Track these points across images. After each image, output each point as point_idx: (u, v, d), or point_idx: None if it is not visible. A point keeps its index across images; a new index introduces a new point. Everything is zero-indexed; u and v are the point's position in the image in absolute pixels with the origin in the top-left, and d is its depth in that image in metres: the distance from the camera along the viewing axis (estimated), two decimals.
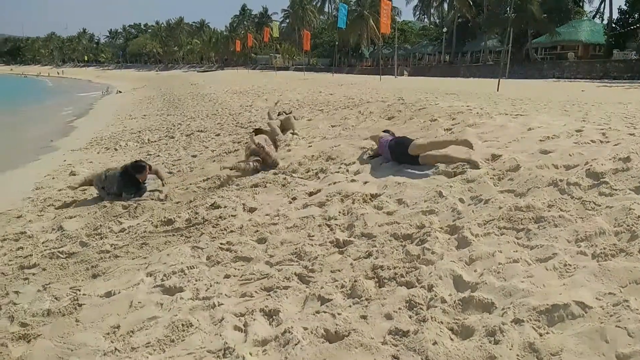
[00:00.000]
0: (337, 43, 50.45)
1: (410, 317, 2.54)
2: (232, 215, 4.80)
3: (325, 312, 2.71)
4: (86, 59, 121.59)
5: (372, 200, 4.52)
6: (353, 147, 7.11)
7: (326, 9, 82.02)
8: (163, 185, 6.66)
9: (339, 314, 2.67)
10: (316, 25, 77.25)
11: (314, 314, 2.72)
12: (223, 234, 4.37)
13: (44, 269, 4.10)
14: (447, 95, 13.02)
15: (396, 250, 3.38)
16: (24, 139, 14.88)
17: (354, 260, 3.35)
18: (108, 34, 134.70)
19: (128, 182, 6.29)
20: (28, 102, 28.81)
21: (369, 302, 2.78)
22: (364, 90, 18.68)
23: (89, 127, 16.36)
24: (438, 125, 7.36)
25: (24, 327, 3.10)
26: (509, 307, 2.38)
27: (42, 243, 4.90)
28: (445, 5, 57.80)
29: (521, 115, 7.40)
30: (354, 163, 6.19)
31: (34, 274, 4.01)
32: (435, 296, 2.64)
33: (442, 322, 2.43)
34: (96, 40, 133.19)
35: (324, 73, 46.66)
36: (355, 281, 2.98)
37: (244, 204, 5.22)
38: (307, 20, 77.74)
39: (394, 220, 3.92)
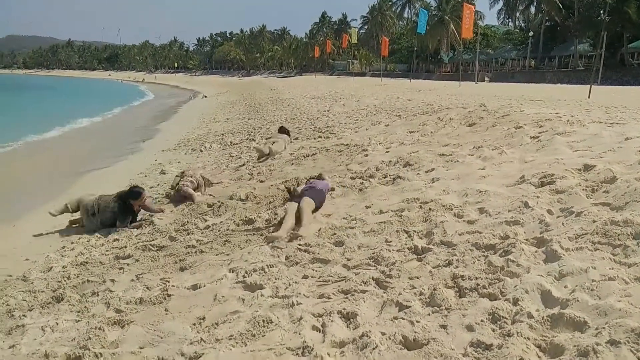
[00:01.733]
0: (415, 48, 49.77)
1: (493, 330, 2.44)
2: None
3: (403, 318, 2.68)
4: (176, 65, 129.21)
5: (452, 208, 4.41)
6: (432, 154, 6.99)
7: (405, 15, 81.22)
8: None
9: (417, 321, 2.63)
10: (395, 30, 76.65)
11: (391, 320, 2.70)
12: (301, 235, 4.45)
13: (137, 260, 4.40)
14: (532, 101, 12.41)
15: (478, 260, 3.27)
16: (117, 139, 16.08)
17: (433, 268, 3.29)
18: (196, 42, 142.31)
19: (123, 210, 5.85)
20: (122, 105, 31.06)
21: (449, 312, 2.71)
22: (443, 96, 18.28)
23: (175, 129, 17.34)
24: (523, 133, 7.04)
25: (119, 313, 3.34)
26: (603, 327, 2.22)
27: (135, 236, 5.27)
28: (532, 9, 55.06)
29: (617, 123, 6.89)
30: (432, 170, 6.07)
31: (128, 264, 4.33)
32: (521, 310, 2.53)
33: (528, 338, 2.32)
34: (185, 48, 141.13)
35: (401, 79, 46.16)
36: (434, 289, 2.92)
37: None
38: (386, 26, 77.35)
39: (476, 230, 3.80)
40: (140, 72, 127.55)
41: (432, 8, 59.54)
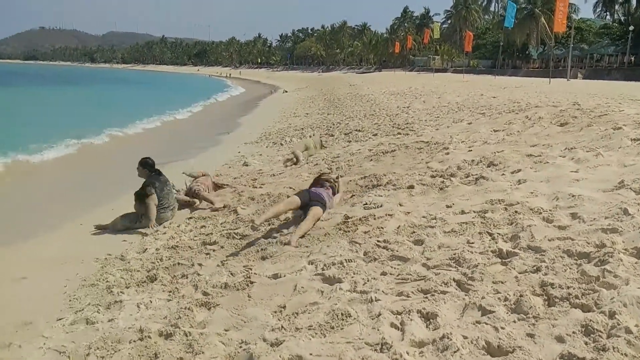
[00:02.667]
0: (501, 43, 47.52)
1: (586, 343, 2.30)
2: (388, 214, 4.85)
3: (486, 323, 2.60)
4: (259, 61, 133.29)
5: (540, 212, 4.20)
6: (518, 154, 6.67)
7: (492, 8, 77.88)
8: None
9: (502, 327, 2.54)
10: (480, 25, 73.70)
11: (474, 324, 2.63)
12: (379, 231, 4.45)
13: (222, 247, 4.62)
14: (633, 101, 11.43)
15: (569, 268, 3.09)
16: (202, 131, 16.90)
17: (520, 273, 3.15)
18: (279, 38, 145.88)
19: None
20: (208, 99, 32.54)
21: (536, 320, 2.59)
22: (531, 93, 17.36)
23: (257, 122, 17.91)
24: (623, 135, 6.53)
25: (206, 296, 3.53)
26: None
27: (221, 224, 5.53)
28: (634, 1, 50.56)
29: None
30: (519, 171, 5.80)
31: (214, 250, 4.56)
32: (618, 324, 2.36)
33: (625, 355, 2.17)
34: (269, 44, 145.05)
35: (484, 75, 44.36)
36: (521, 296, 2.80)
37: (400, 204, 5.25)
38: (471, 21, 74.59)
39: (567, 236, 3.58)
40: (226, 67, 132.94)
41: (521, 1, 56.48)
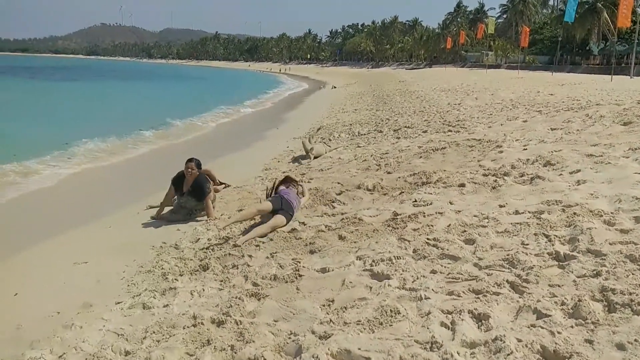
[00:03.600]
0: (560, 39, 45.50)
1: None
2: (438, 212, 4.78)
3: (542, 327, 2.51)
4: (308, 56, 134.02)
5: (601, 215, 4.01)
6: (577, 154, 6.40)
7: (551, 2, 74.81)
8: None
9: (558, 332, 2.45)
10: (537, 19, 70.87)
11: (528, 327, 2.55)
12: (429, 229, 4.38)
13: (271, 240, 4.69)
14: None
15: (632, 274, 2.94)
16: (253, 125, 17.18)
17: (578, 277, 3.03)
18: (329, 34, 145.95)
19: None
20: (260, 93, 33.05)
21: (595, 327, 2.48)
22: (591, 91, 16.59)
23: (306, 117, 18.01)
24: None
25: (256, 287, 3.61)
26: None
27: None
28: None
29: None
30: (578, 171, 5.56)
31: (263, 242, 4.63)
32: None
33: None
34: (318, 40, 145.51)
35: (541, 72, 42.64)
36: (579, 300, 2.69)
37: (450, 202, 5.16)
38: (528, 15, 71.88)
39: (631, 240, 3.41)
40: (276, 63, 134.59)
41: None
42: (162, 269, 4.24)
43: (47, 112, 20.79)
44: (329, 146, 10.42)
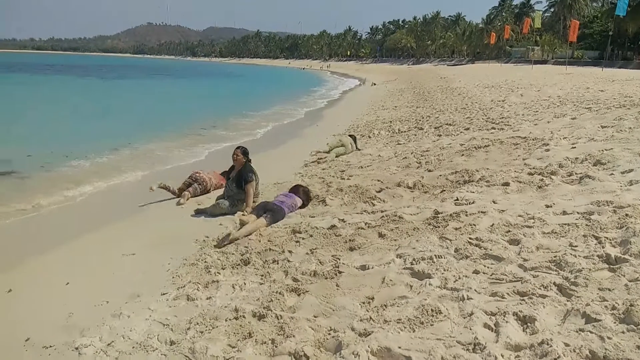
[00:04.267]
0: (611, 33, 43.49)
1: None
2: (481, 212, 4.68)
3: (591, 332, 2.42)
4: (348, 53, 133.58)
5: None
6: (630, 153, 6.13)
7: None
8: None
9: (608, 337, 2.36)
10: (587, 13, 67.99)
11: (576, 331, 2.46)
12: (471, 228, 4.30)
13: (311, 236, 4.72)
14: None
15: None
16: (293, 121, 17.29)
17: (630, 281, 2.90)
18: (369, 31, 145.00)
19: None
20: (303, 91, 33.24)
21: None
22: None
23: (345, 114, 17.96)
24: None
25: (296, 282, 3.64)
26: None
27: (309, 216, 5.64)
28: None
29: None
30: (630, 171, 5.33)
31: (303, 239, 4.67)
32: None
33: None
34: (358, 37, 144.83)
35: (590, 67, 40.91)
36: (631, 305, 2.57)
37: (494, 201, 5.04)
38: (577, 9, 69.04)
39: None
40: (316, 60, 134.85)
41: None
42: (205, 262, 4.34)
43: (109, 110, 21.39)
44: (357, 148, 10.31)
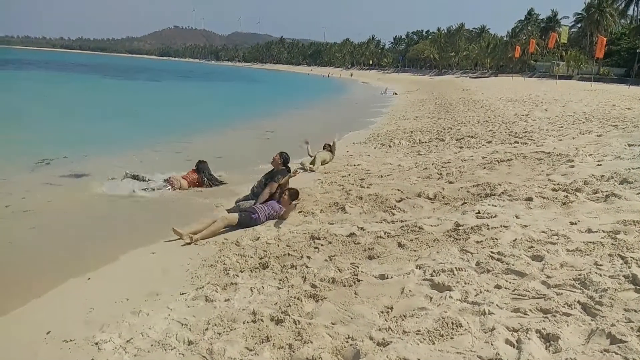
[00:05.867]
0: (638, 51, 42.70)
1: None
2: (503, 226, 4.61)
3: (616, 353, 2.37)
4: (370, 62, 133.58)
5: None
6: None
7: (630, 12, 70.33)
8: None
9: (634, 359, 2.30)
10: (614, 30, 66.91)
11: (601, 352, 2.41)
12: (493, 242, 4.24)
13: (330, 242, 4.71)
14: None
15: None
16: (316, 129, 17.30)
17: None
18: (392, 40, 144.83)
19: None
20: (322, 98, 33.33)
21: None
22: None
23: (367, 123, 17.96)
24: None
25: (314, 288, 3.63)
26: None
27: (328, 222, 5.64)
28: None
29: None
30: None
31: (322, 245, 4.66)
32: None
33: None
34: (381, 46, 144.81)
35: (616, 84, 40.19)
36: None
37: (516, 216, 4.97)
38: (604, 25, 67.97)
39: None
40: (338, 68, 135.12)
41: None
42: (224, 264, 4.36)
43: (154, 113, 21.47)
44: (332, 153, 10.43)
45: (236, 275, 4.08)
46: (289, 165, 7.04)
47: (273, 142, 13.00)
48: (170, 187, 7.75)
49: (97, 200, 7.14)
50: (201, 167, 8.24)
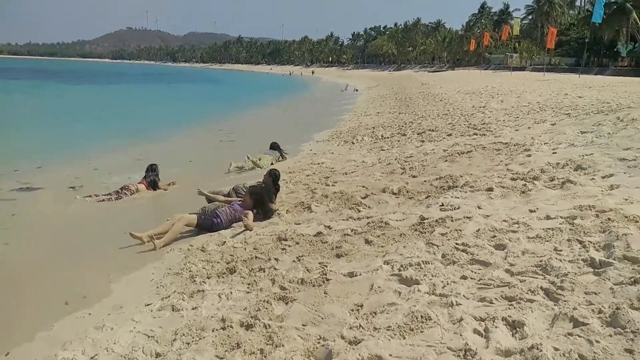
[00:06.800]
0: (587, 40, 44.51)
1: None
2: (466, 217, 4.70)
3: (579, 336, 2.44)
4: (330, 59, 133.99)
5: (637, 221, 3.89)
6: (610, 158, 6.24)
7: (577, 3, 73.25)
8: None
9: (597, 341, 2.38)
10: (564, 21, 69.50)
11: (565, 336, 2.48)
12: (458, 234, 4.32)
13: (297, 243, 4.68)
14: None
15: None
16: (277, 128, 17.23)
17: (615, 285, 2.93)
18: (351, 37, 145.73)
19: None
20: (283, 96, 33.21)
21: (635, 336, 2.40)
22: (620, 93, 16.21)
23: (327, 121, 18.00)
24: None
25: (283, 290, 3.59)
26: None
27: (295, 223, 5.61)
28: None
29: None
30: (610, 176, 5.43)
31: (289, 246, 4.62)
32: None
33: None
34: (340, 43, 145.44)
35: (567, 74, 41.76)
36: (617, 309, 2.60)
37: (478, 207, 5.07)
38: (554, 16, 70.50)
39: None
40: (297, 66, 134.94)
41: None
42: (190, 271, 4.27)
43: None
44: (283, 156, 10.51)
45: (203, 282, 4.00)
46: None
47: (235, 145, 12.86)
48: (126, 192, 7.64)
49: (52, 213, 6.88)
50: (147, 169, 8.27)
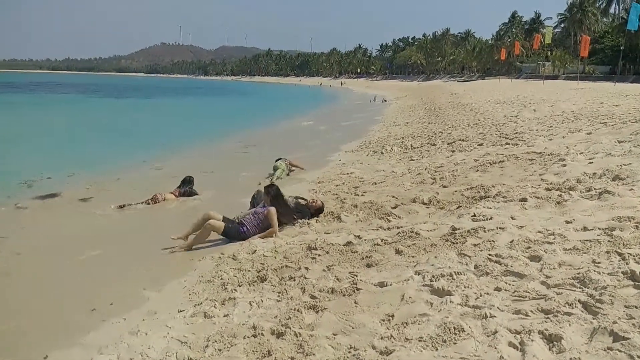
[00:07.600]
0: (622, 48, 43.29)
1: None
2: (499, 228, 4.62)
3: (620, 350, 2.36)
4: (359, 70, 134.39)
5: None
6: None
7: (612, 11, 71.48)
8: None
9: (638, 356, 2.29)
10: (597, 29, 67.92)
11: (604, 350, 2.40)
12: (490, 245, 4.24)
13: (327, 252, 4.68)
14: None
15: None
16: (307, 137, 17.33)
17: None
18: (379, 48, 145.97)
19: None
20: (313, 107, 33.42)
21: None
22: None
23: (356, 131, 17.99)
24: None
25: (313, 299, 3.60)
26: None
27: (325, 232, 5.62)
28: None
29: None
30: None
31: (319, 255, 4.63)
32: None
33: None
34: (369, 54, 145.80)
35: (602, 82, 40.66)
36: None
37: (512, 217, 4.98)
38: (587, 24, 68.98)
39: None
40: (326, 77, 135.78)
41: None
42: (222, 279, 4.32)
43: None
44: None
45: (234, 289, 4.04)
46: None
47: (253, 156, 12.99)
48: (156, 201, 7.87)
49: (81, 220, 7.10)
50: (184, 181, 8.44)
